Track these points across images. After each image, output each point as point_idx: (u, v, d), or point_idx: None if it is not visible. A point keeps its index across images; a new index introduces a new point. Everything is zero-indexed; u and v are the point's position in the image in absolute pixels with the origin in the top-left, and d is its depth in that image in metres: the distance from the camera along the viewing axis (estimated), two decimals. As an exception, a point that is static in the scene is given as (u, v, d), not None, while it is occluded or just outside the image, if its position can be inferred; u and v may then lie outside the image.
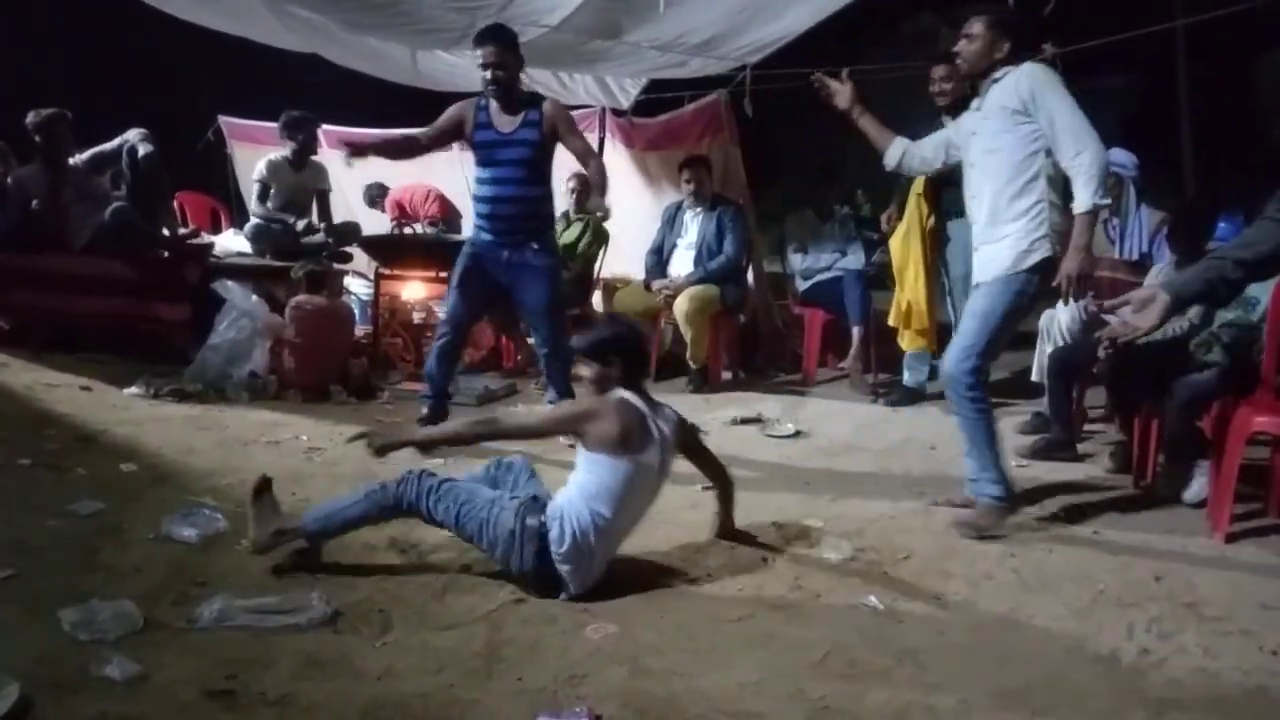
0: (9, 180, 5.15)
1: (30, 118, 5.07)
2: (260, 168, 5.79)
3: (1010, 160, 3.02)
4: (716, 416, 4.68)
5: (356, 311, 6.12)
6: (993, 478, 3.07)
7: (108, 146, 5.36)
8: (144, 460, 3.55)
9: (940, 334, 4.78)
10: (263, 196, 5.73)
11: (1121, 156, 4.34)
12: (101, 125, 5.55)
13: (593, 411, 2.61)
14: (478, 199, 4.04)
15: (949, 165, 3.41)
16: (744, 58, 5.27)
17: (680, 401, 4.99)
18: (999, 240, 3.06)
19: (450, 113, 4.05)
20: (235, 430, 4.06)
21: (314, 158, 5.93)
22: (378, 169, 7.56)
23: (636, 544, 2.90)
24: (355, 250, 6.09)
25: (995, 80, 3.05)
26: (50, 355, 4.81)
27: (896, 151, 3.43)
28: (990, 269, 3.08)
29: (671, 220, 5.68)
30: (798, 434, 4.38)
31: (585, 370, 2.72)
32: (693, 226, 5.55)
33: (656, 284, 5.50)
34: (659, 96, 6.83)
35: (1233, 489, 3.07)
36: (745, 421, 4.59)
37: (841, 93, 3.39)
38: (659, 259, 5.64)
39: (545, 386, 4.30)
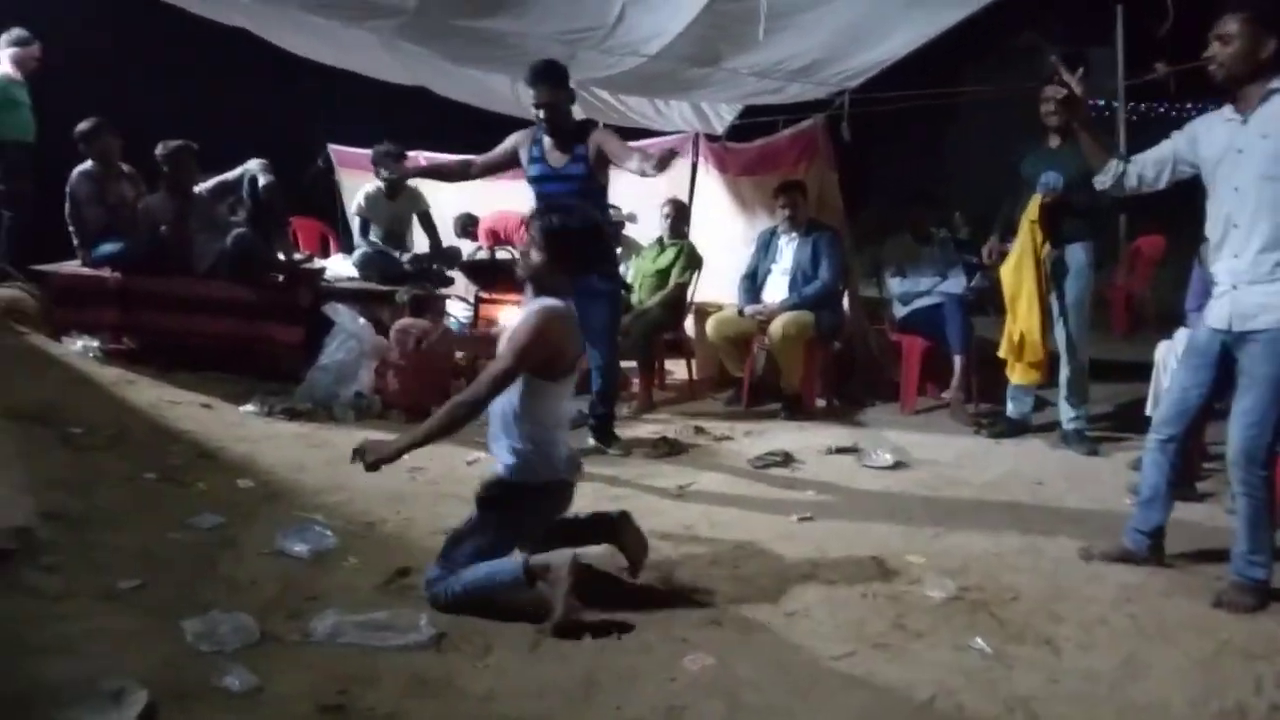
0: (139, 207, 5.49)
1: (159, 149, 5.40)
2: (358, 201, 6.07)
3: None
4: (811, 445, 4.62)
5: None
6: (1264, 560, 2.75)
7: (230, 176, 5.67)
8: (259, 476, 3.72)
9: (1050, 364, 4.62)
10: (364, 230, 6.04)
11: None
12: (220, 153, 5.88)
13: (544, 333, 2.62)
14: None
15: (1172, 182, 3.02)
16: (843, 83, 5.23)
17: (775, 429, 4.98)
18: (1275, 282, 2.64)
19: (507, 144, 4.28)
20: (343, 449, 4.13)
21: (408, 184, 6.14)
22: (467, 198, 7.79)
23: (732, 575, 2.89)
24: (455, 274, 6.26)
25: (1275, 90, 2.66)
26: (174, 374, 5.07)
27: (1112, 169, 3.04)
28: (1266, 317, 2.64)
29: (766, 245, 5.66)
30: (897, 465, 4.28)
31: (534, 256, 2.70)
32: (788, 252, 5.52)
33: (750, 309, 5.47)
34: (753, 121, 6.84)
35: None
36: (842, 451, 4.52)
37: (1074, 94, 3.07)
38: (753, 284, 5.62)
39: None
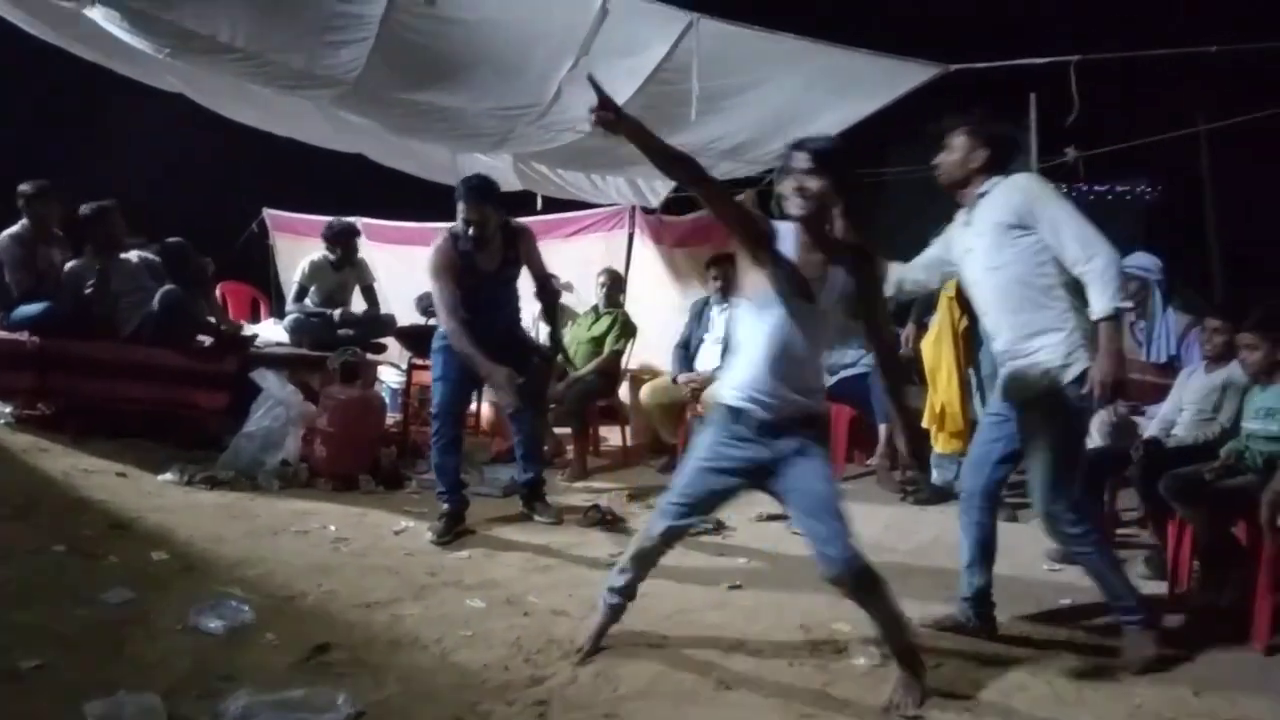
0: (65, 270, 5.35)
1: (83, 209, 5.29)
2: (303, 267, 5.99)
3: (1020, 276, 2.86)
4: (744, 513, 4.65)
5: (388, 401, 6.24)
6: (1129, 604, 2.90)
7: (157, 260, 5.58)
8: (174, 548, 3.59)
9: (971, 432, 4.76)
10: (300, 296, 5.94)
11: (1145, 260, 4.39)
12: (153, 216, 5.80)
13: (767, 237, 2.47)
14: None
15: (945, 281, 3.36)
16: (771, 162, 5.44)
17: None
18: (1030, 355, 2.87)
19: (442, 265, 4.00)
20: (265, 519, 4.10)
21: (357, 256, 6.13)
22: (410, 263, 7.79)
23: (662, 645, 2.88)
24: (390, 342, 6.23)
25: (982, 194, 2.92)
26: (89, 441, 4.90)
27: (892, 280, 3.24)
28: (1026, 390, 2.89)
29: (699, 315, 5.77)
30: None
31: (809, 183, 2.42)
32: (720, 321, 5.63)
33: (683, 377, 5.55)
34: (687, 195, 7.04)
35: (1271, 598, 3.00)
36: (772, 518, 4.56)
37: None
38: (686, 353, 5.71)
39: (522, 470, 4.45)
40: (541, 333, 5.22)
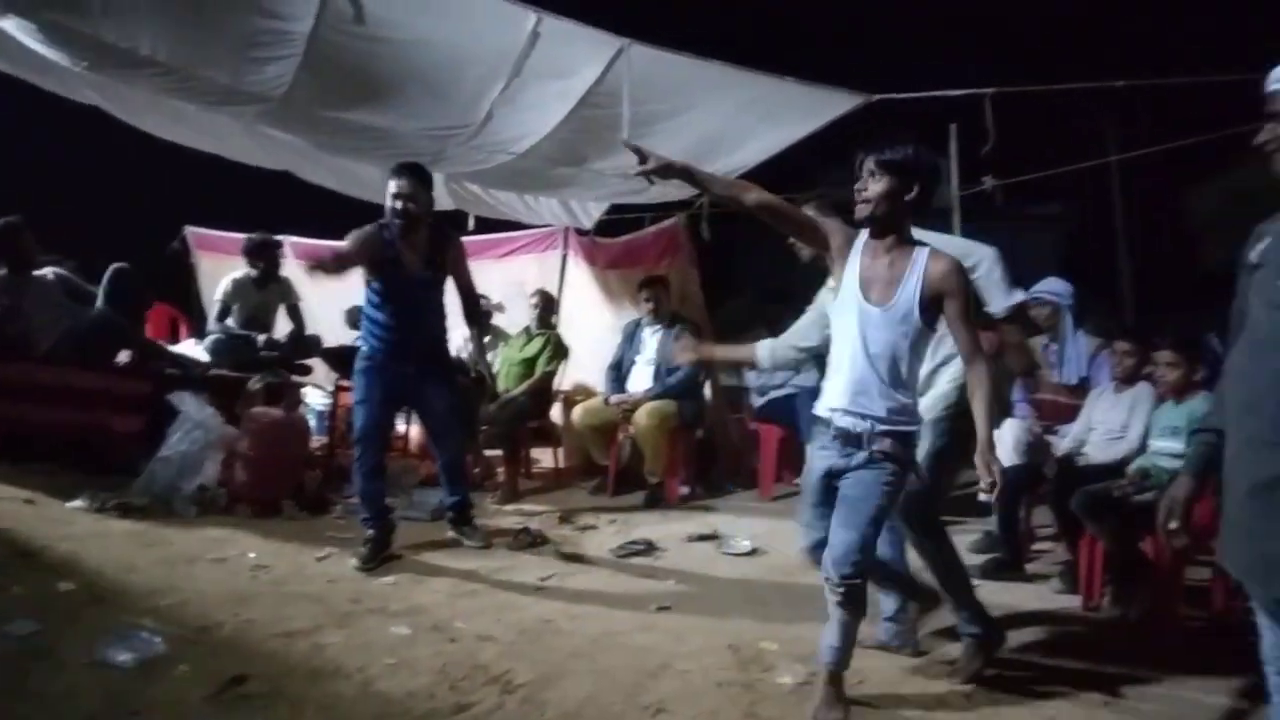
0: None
1: (-12, 227, 5.09)
2: (224, 285, 5.84)
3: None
4: (673, 532, 4.68)
5: (313, 424, 6.10)
6: (968, 616, 2.99)
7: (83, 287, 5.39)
8: (83, 578, 3.44)
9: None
10: (222, 315, 5.78)
11: (1057, 285, 4.56)
12: (74, 233, 5.59)
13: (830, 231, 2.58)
14: (380, 324, 4.03)
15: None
16: (702, 185, 5.53)
17: (639, 517, 5.02)
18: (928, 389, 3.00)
19: (358, 246, 3.97)
20: (180, 547, 3.96)
21: (281, 275, 6.00)
22: (336, 282, 7.66)
23: (590, 669, 2.87)
24: (316, 363, 6.10)
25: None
26: (-6, 466, 4.69)
27: (764, 353, 3.24)
28: (930, 413, 2.98)
29: (631, 337, 5.80)
30: (754, 551, 4.39)
31: (870, 186, 2.49)
32: (651, 343, 5.67)
33: (615, 398, 5.57)
34: (621, 217, 7.09)
35: (1177, 609, 3.13)
36: (702, 538, 4.60)
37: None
38: (618, 374, 5.73)
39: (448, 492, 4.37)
40: (470, 353, 5.19)
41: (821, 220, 2.70)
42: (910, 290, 2.45)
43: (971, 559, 4.16)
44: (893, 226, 2.50)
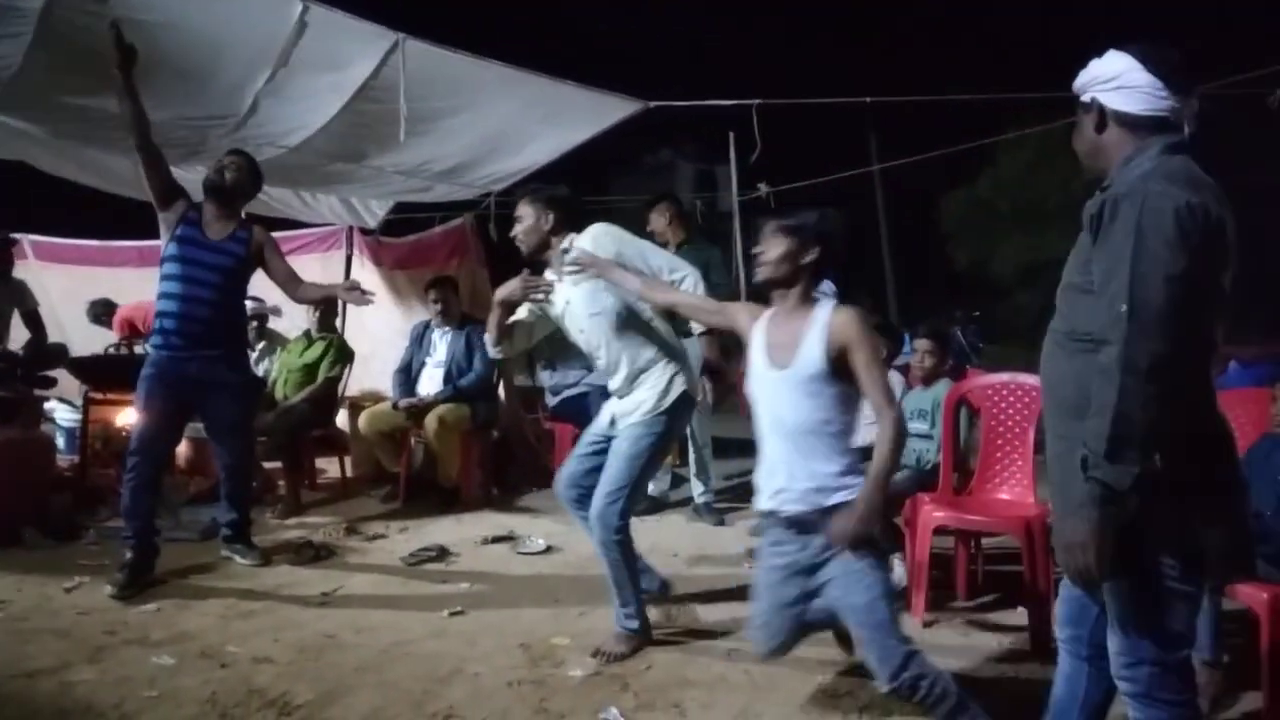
0: None
1: None
2: None
3: (620, 317, 3.10)
4: (467, 535, 4.63)
5: (61, 441, 5.52)
6: (633, 612, 3.14)
7: None
8: None
9: (681, 444, 5.07)
10: None
11: (823, 284, 4.90)
12: None
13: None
14: (168, 310, 3.78)
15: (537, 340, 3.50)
16: (488, 186, 5.49)
17: (432, 523, 4.92)
18: (636, 389, 3.12)
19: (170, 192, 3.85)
20: (-108, 588, 3.47)
21: (13, 276, 5.36)
22: (105, 287, 7.01)
23: (378, 681, 2.79)
24: (63, 374, 5.50)
25: (565, 250, 3.12)
26: None
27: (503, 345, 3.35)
28: (634, 415, 3.10)
29: (420, 339, 5.67)
30: (548, 549, 4.42)
31: (767, 249, 2.46)
32: (441, 345, 5.57)
33: (404, 402, 5.42)
34: (411, 216, 6.92)
35: (926, 577, 3.45)
36: (497, 540, 4.58)
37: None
38: (407, 377, 5.58)
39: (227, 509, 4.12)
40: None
41: (725, 308, 2.81)
42: (811, 347, 2.35)
43: (751, 541, 4.42)
44: (791, 287, 2.46)
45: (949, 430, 3.74)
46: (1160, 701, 1.79)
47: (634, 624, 3.13)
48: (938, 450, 3.78)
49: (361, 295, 3.82)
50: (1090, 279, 1.77)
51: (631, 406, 3.13)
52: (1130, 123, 1.81)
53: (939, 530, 3.50)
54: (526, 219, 3.19)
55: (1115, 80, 1.82)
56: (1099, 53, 1.87)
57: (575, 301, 3.16)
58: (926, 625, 3.39)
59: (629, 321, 3.11)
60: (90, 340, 6.61)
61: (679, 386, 3.11)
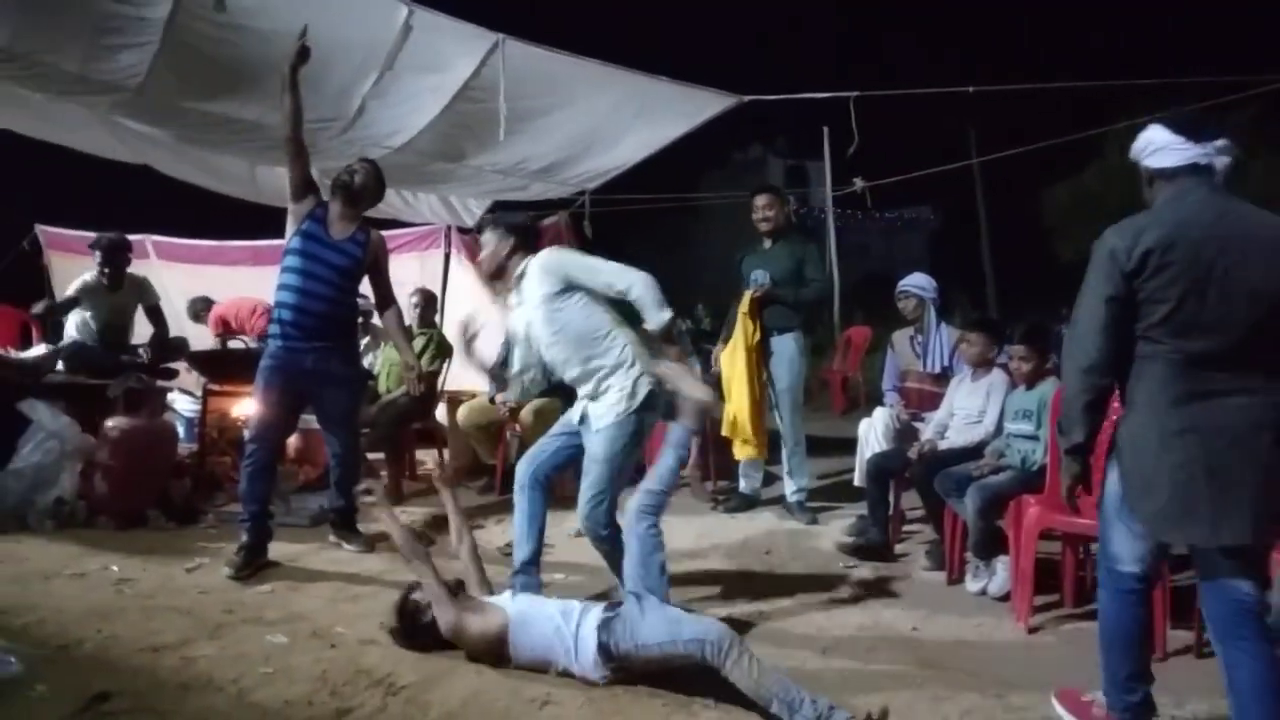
0: None
1: None
2: (74, 286, 5.47)
3: (581, 331, 3.26)
4: (561, 528, 4.67)
5: (181, 430, 5.82)
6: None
7: None
8: (-76, 601, 3.20)
9: (772, 441, 5.02)
10: (69, 305, 5.41)
11: (921, 279, 4.79)
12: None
13: None
14: (286, 302, 3.92)
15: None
16: (582, 184, 5.55)
17: (524, 515, 4.99)
18: (605, 394, 3.26)
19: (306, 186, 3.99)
20: (36, 563, 3.73)
21: (134, 274, 5.67)
22: (205, 283, 7.36)
23: (473, 667, 2.85)
24: (183, 366, 5.82)
25: (521, 275, 3.35)
26: None
27: (515, 389, 3.65)
28: (606, 418, 3.24)
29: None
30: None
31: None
32: (536, 341, 5.64)
33: (500, 397, 5.52)
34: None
35: (1030, 582, 3.34)
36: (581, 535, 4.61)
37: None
38: (503, 373, 5.67)
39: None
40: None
41: None
42: None
43: (846, 541, 4.36)
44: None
45: (1055, 433, 3.60)
46: None
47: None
48: (1044, 451, 3.64)
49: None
50: None
51: (603, 409, 3.26)
52: (1166, 175, 2.32)
53: (1045, 534, 3.39)
54: (489, 245, 3.42)
55: (1149, 147, 2.34)
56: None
57: (536, 323, 3.33)
58: (1031, 631, 3.28)
59: (590, 334, 3.27)
60: (204, 335, 6.97)
61: (645, 387, 3.24)
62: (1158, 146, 2.31)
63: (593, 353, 3.25)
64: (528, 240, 3.45)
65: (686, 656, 2.57)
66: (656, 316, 3.19)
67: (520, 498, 3.48)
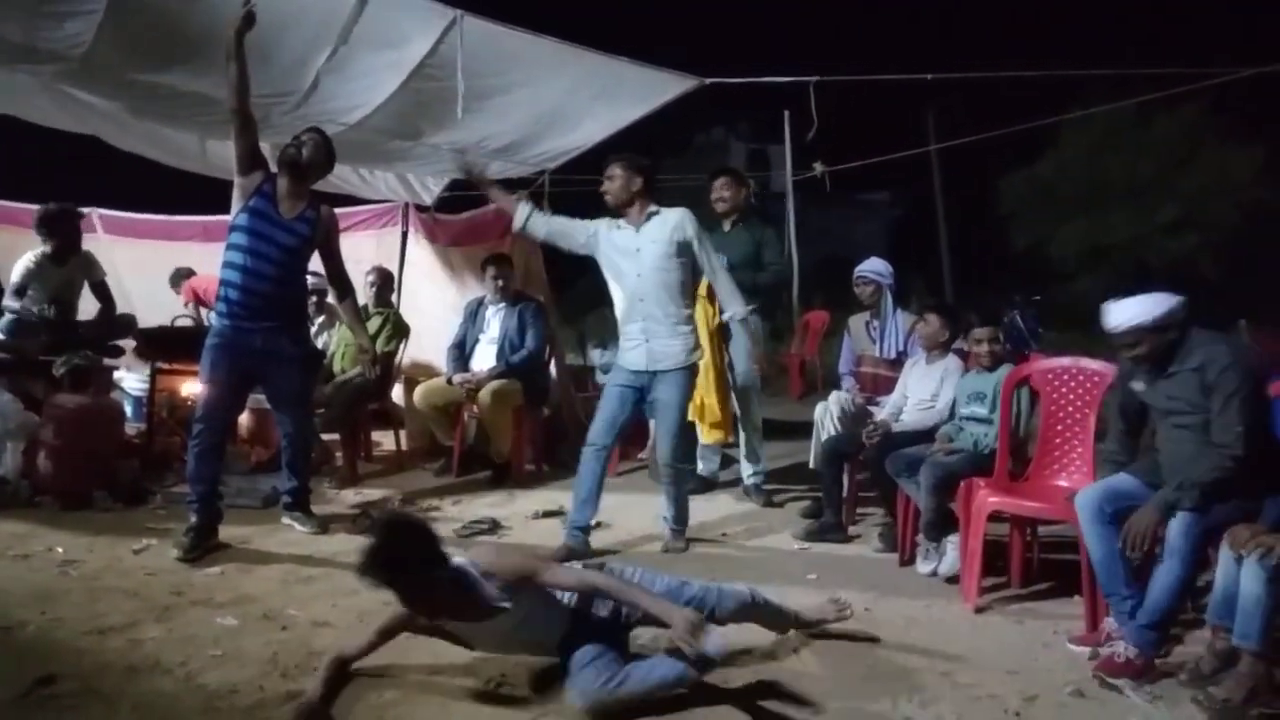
0: None
1: None
2: (23, 263, 5.29)
3: (679, 281, 3.91)
4: (519, 510, 4.69)
5: (129, 409, 5.70)
6: (681, 518, 4.11)
7: None
8: None
9: (732, 424, 5.05)
10: (19, 292, 5.24)
11: (878, 265, 4.83)
12: None
13: None
14: (231, 281, 3.84)
15: (576, 250, 4.06)
16: (542, 164, 5.51)
17: (485, 496, 5.00)
18: (676, 338, 3.90)
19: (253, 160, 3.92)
20: (-25, 544, 3.64)
21: (83, 249, 5.51)
22: (171, 260, 7.24)
23: (431, 646, 2.85)
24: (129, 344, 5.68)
25: (652, 213, 3.91)
26: None
27: (523, 212, 4.03)
28: (668, 361, 3.89)
29: (474, 315, 5.73)
30: (598, 525, 4.44)
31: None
32: (495, 322, 5.62)
33: (458, 378, 5.49)
34: (464, 194, 6.96)
35: (979, 563, 3.41)
36: (548, 514, 4.63)
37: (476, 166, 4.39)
38: (461, 353, 5.65)
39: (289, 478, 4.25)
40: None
41: None
42: None
43: (800, 523, 4.41)
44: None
45: (1005, 417, 3.67)
46: None
47: (681, 526, 4.09)
48: (996, 435, 3.71)
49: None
50: None
51: (677, 349, 3.89)
52: None
53: (994, 516, 3.45)
54: (617, 178, 3.89)
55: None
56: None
57: (646, 251, 3.88)
58: (979, 611, 3.35)
59: (680, 287, 3.91)
60: (154, 312, 6.81)
61: (699, 349, 3.99)
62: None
63: (681, 303, 3.92)
64: (650, 183, 3.94)
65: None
66: (741, 308, 4.06)
67: (596, 459, 3.94)
